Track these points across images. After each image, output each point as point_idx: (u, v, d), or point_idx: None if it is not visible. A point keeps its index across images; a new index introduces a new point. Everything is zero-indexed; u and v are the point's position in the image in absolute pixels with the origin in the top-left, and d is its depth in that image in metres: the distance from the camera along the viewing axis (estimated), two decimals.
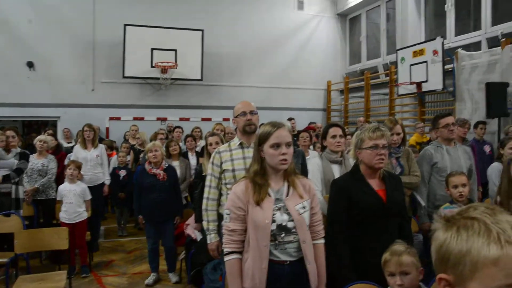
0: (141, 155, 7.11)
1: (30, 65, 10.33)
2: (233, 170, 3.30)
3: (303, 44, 12.54)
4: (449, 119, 4.15)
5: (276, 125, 2.42)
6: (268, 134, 2.38)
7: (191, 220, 4.82)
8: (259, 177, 2.39)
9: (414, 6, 10.19)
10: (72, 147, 7.80)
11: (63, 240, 4.38)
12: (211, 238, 3.37)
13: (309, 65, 12.42)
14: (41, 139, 6.01)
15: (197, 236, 4.54)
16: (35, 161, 5.84)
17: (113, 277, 5.36)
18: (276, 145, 2.35)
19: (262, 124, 3.59)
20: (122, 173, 7.12)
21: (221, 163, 3.35)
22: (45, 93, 10.32)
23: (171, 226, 5.04)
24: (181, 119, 10.95)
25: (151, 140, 7.35)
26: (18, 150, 5.65)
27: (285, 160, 2.35)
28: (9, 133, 5.67)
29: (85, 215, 5.29)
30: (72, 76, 10.52)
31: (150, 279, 5.07)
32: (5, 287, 4.45)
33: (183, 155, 6.41)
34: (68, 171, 5.28)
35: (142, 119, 10.77)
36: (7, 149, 5.60)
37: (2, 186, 5.33)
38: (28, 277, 4.21)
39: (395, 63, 9.92)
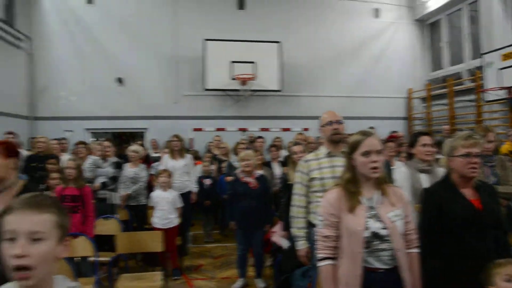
0: (224, 165, 7.39)
1: (120, 80, 11.15)
2: (321, 179, 3.38)
3: (381, 51, 12.37)
4: None
5: (366, 134, 2.46)
6: (359, 142, 2.43)
7: (277, 228, 4.94)
8: (351, 185, 2.43)
9: (500, 7, 9.68)
10: (159, 157, 8.30)
11: (158, 243, 4.69)
12: (301, 245, 3.46)
13: (388, 73, 12.22)
14: (134, 149, 6.45)
15: (284, 243, 4.64)
16: (129, 169, 6.29)
17: (202, 280, 5.60)
18: (367, 153, 2.39)
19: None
20: (207, 181, 7.42)
21: (309, 171, 3.45)
22: (134, 107, 11.07)
23: (261, 233, 5.18)
24: (261, 129, 11.21)
25: (233, 150, 7.61)
26: (114, 159, 6.12)
27: (376, 168, 2.38)
28: (106, 143, 6.17)
29: (176, 222, 5.58)
30: (158, 90, 11.22)
31: (237, 284, 5.25)
32: (108, 283, 4.83)
33: (267, 164, 6.57)
34: (161, 179, 5.62)
35: (223, 129, 11.16)
36: (104, 159, 6.11)
37: (99, 192, 5.82)
38: (128, 275, 4.55)
39: (480, 68, 9.47)
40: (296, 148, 4.67)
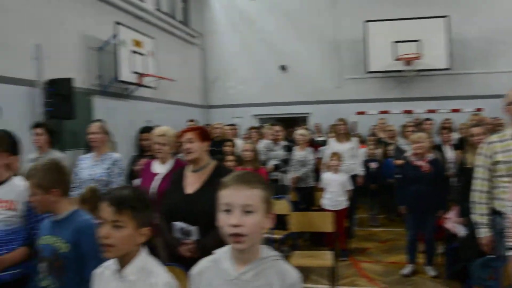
0: (391, 148, 7.24)
1: (283, 68, 11.67)
2: (508, 162, 3.13)
3: None
4: None
5: None
6: None
7: (451, 214, 4.70)
8: None
9: None
10: (323, 140, 8.46)
11: (328, 223, 4.81)
12: (483, 233, 3.26)
13: None
14: (301, 133, 6.67)
15: (460, 230, 4.41)
16: (297, 153, 6.54)
17: (369, 263, 5.62)
18: None
19: None
20: (373, 165, 7.35)
21: (493, 154, 3.21)
22: (297, 92, 11.48)
23: (433, 219, 4.97)
24: (428, 111, 10.59)
25: (401, 133, 7.39)
26: (284, 143, 6.47)
27: None
28: (277, 128, 6.54)
29: (345, 204, 5.66)
30: (320, 75, 11.41)
31: (406, 270, 5.13)
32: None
33: (437, 148, 6.25)
34: (332, 162, 5.76)
35: (387, 112, 10.86)
36: (275, 142, 6.50)
37: (272, 174, 6.22)
38: (300, 253, 4.80)
39: None
40: (475, 130, 4.36)
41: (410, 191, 4.94)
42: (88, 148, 4.69)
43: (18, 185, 2.55)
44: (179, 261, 2.64)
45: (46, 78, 6.08)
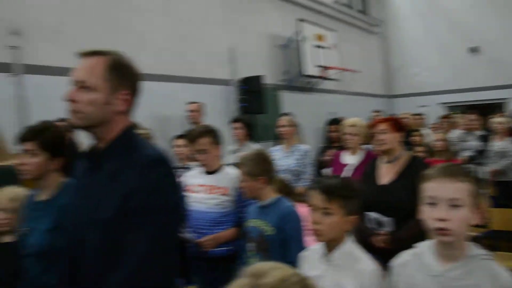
0: None
1: (473, 50, 10.63)
2: None
3: None
4: None
5: None
6: None
7: None
8: None
9: None
10: None
11: None
12: None
13: None
14: (500, 121, 6.04)
15: None
16: (495, 143, 5.94)
17: None
18: None
19: None
20: None
21: None
22: (490, 76, 10.38)
23: None
24: None
25: None
26: (480, 132, 5.95)
27: None
28: (471, 116, 6.07)
29: None
30: None
31: None
32: None
33: None
34: None
35: None
36: (469, 132, 6.04)
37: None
38: (504, 254, 4.34)
39: None
40: None
41: None
42: (277, 140, 4.99)
43: (230, 173, 2.88)
44: (370, 251, 2.67)
45: (239, 77, 6.67)
